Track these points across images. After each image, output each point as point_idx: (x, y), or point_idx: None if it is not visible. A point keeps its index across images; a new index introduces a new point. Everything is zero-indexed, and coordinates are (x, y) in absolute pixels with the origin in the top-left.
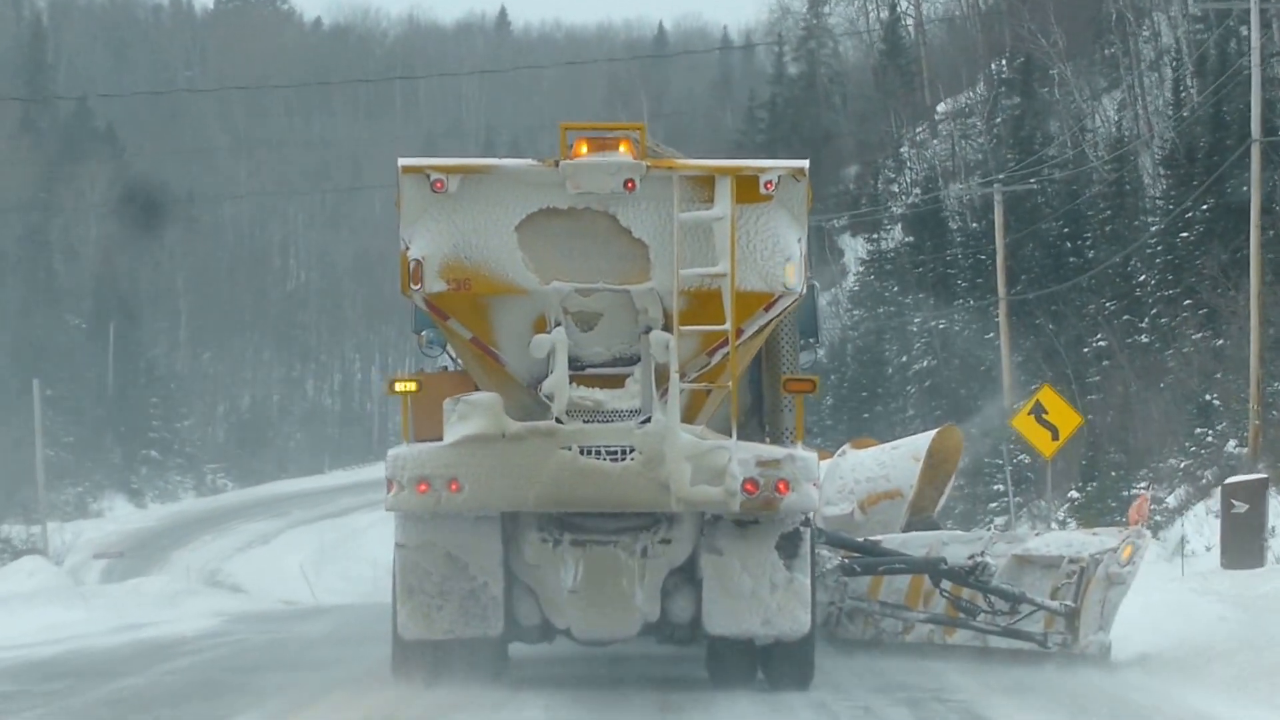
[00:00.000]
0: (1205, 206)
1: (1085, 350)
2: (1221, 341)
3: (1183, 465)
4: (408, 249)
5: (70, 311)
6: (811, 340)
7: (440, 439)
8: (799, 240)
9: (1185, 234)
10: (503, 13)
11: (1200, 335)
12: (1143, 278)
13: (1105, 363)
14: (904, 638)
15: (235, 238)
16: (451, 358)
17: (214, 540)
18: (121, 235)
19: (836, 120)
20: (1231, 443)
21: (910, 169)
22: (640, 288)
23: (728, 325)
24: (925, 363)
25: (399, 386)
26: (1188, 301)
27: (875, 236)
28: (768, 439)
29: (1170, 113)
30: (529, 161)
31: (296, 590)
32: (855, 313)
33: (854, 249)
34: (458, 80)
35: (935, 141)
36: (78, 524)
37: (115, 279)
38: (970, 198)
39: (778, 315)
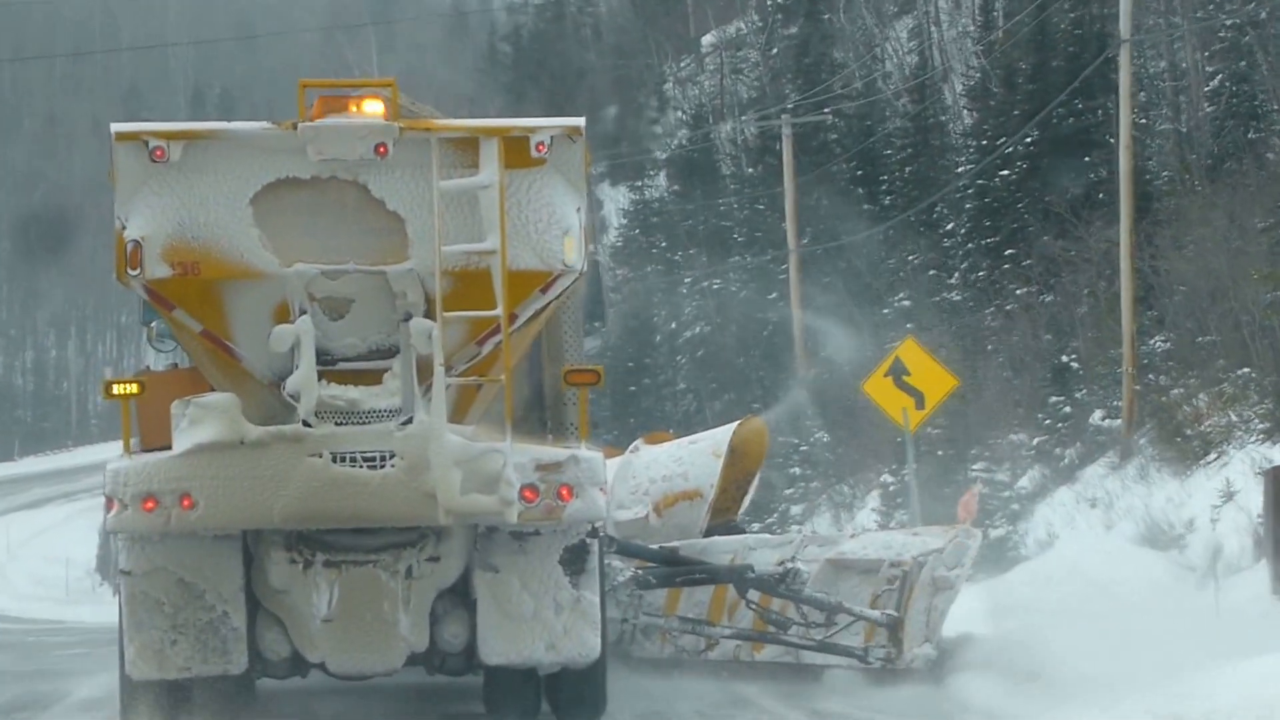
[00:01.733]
0: (1029, 140)
1: (886, 311)
2: (1050, 298)
3: (1035, 442)
4: (124, 228)
5: None
6: (596, 324)
7: (169, 448)
8: (578, 210)
9: (1005, 172)
10: None
11: (1025, 290)
12: (950, 226)
13: (909, 325)
14: (707, 655)
15: None
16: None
17: None
18: None
19: (590, 55)
20: (1098, 413)
21: (676, 109)
22: (397, 269)
23: (499, 310)
24: (699, 329)
25: (117, 389)
26: (1009, 251)
27: (639, 184)
28: (550, 439)
29: (977, 36)
30: (264, 125)
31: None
32: (618, 272)
33: (615, 199)
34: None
35: (703, 77)
36: None
37: None
38: (745, 137)
39: (557, 297)
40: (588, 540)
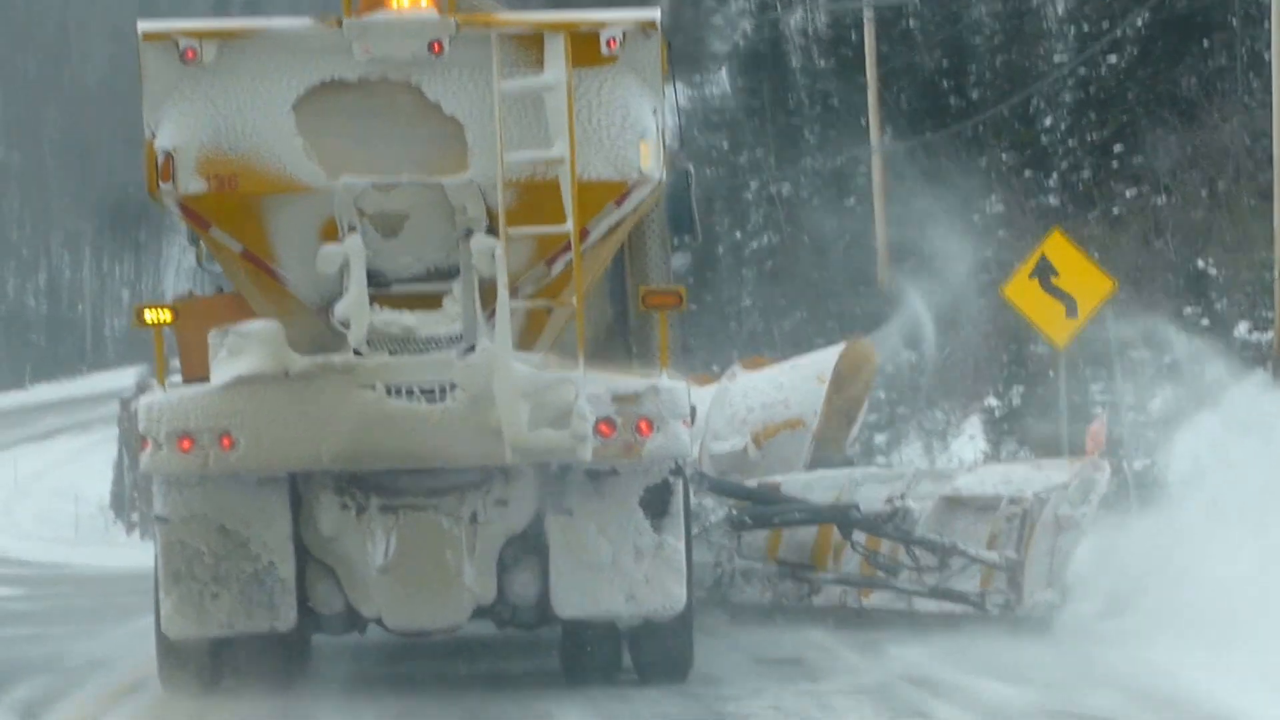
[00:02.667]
0: (1140, 24)
1: (976, 217)
2: (1164, 199)
3: (1166, 361)
4: (154, 138)
5: None
6: (687, 238)
7: (205, 380)
8: (654, 112)
9: (1113, 58)
10: None
11: (1136, 192)
12: (1049, 121)
13: (1000, 232)
14: (811, 601)
15: None
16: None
17: None
18: None
19: None
20: (1243, 325)
21: None
22: (456, 180)
23: (569, 225)
24: (766, 239)
25: (150, 316)
26: (1118, 148)
27: (698, 79)
28: (629, 368)
29: None
30: (306, 21)
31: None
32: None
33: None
34: None
35: None
36: None
37: None
38: (817, 27)
39: (634, 210)
40: (671, 479)
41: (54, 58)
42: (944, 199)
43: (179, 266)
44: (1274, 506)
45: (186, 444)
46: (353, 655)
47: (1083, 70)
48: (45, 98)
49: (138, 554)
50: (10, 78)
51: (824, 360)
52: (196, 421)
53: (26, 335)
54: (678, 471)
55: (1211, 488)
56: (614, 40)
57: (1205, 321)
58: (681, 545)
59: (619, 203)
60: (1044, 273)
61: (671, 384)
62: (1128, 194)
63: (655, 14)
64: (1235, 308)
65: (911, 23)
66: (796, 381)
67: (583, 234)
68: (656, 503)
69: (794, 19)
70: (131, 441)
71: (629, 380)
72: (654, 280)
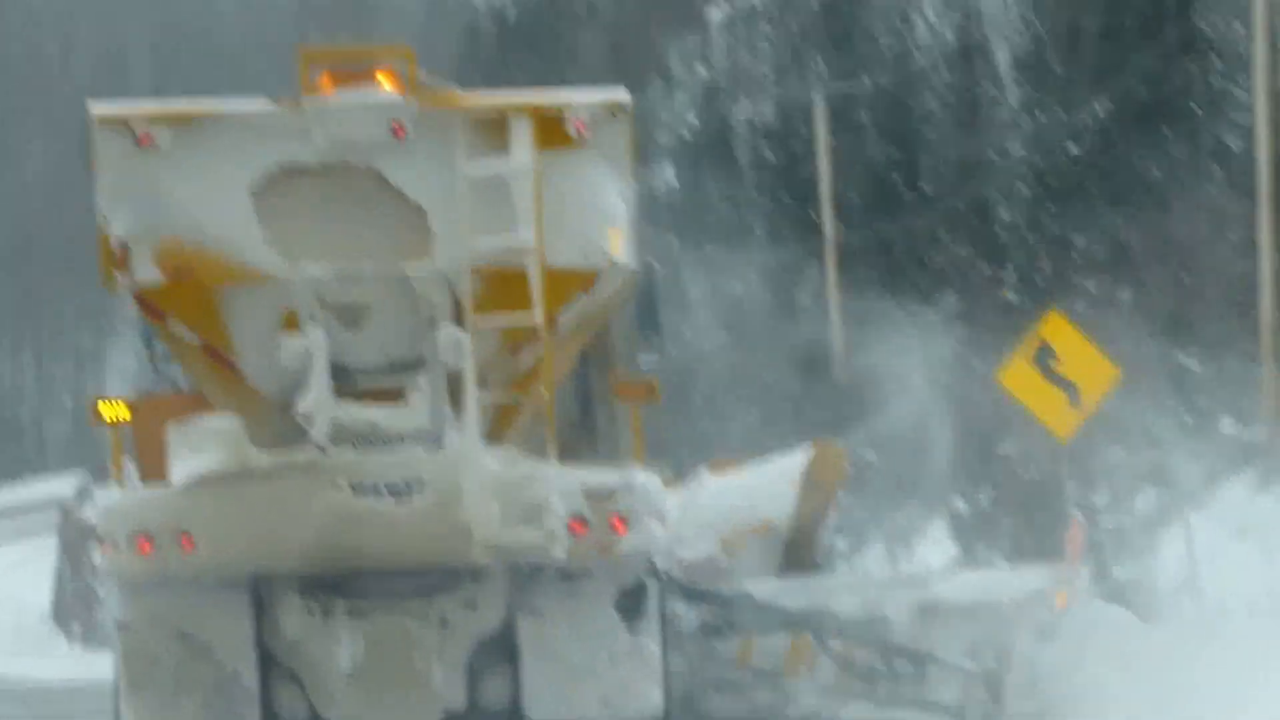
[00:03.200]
0: (1101, 112)
1: (932, 313)
2: (1127, 293)
3: (1148, 459)
4: (108, 226)
5: None
6: (653, 334)
7: (165, 482)
8: (623, 197)
9: (1072, 147)
10: None
11: (1096, 285)
12: (1006, 214)
13: (959, 329)
14: (785, 712)
15: None
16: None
17: None
18: None
19: (584, 33)
20: (1226, 421)
21: (683, 91)
22: (420, 269)
23: (538, 315)
24: (717, 335)
25: (106, 412)
26: (1080, 241)
27: (642, 174)
28: (600, 463)
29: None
30: (263, 104)
31: None
32: None
33: None
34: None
35: (713, 55)
36: None
37: None
38: (765, 119)
39: (604, 299)
40: (646, 579)
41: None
42: (899, 294)
43: (123, 371)
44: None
45: (146, 546)
46: None
47: (1040, 161)
48: None
49: (77, 666)
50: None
51: (793, 463)
52: (156, 522)
53: None
54: (653, 571)
55: (1207, 594)
56: (581, 123)
57: (1188, 418)
58: (657, 648)
59: (589, 291)
60: (1044, 358)
61: (646, 479)
62: (1092, 287)
63: (624, 95)
64: (1218, 403)
65: (863, 114)
66: (765, 485)
67: (552, 323)
68: (631, 604)
69: (741, 112)
70: (73, 549)
71: (602, 475)
72: (619, 374)
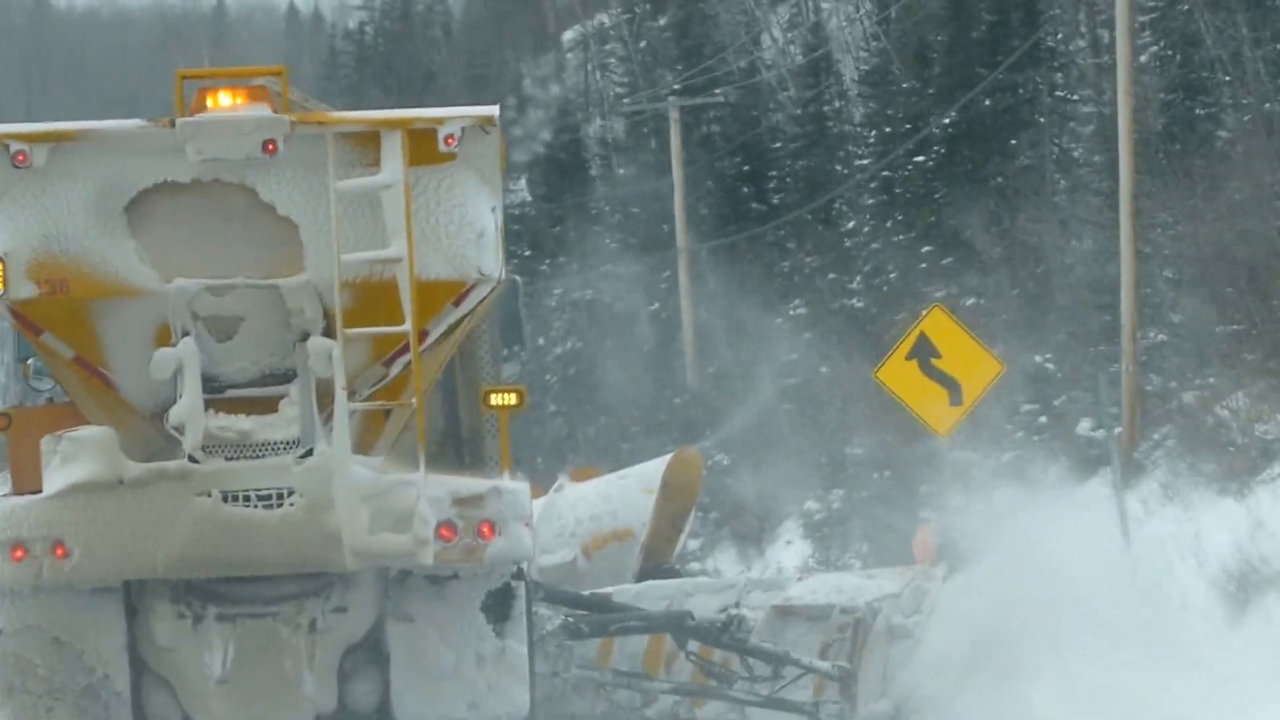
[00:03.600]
0: (948, 123)
1: (779, 321)
2: (973, 300)
3: (1003, 460)
4: None
5: None
6: (516, 348)
7: (38, 491)
8: (493, 210)
9: (920, 158)
10: None
11: (945, 292)
12: (851, 224)
13: (806, 334)
14: (644, 712)
15: None
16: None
17: None
18: None
19: (440, 55)
20: (1085, 423)
21: (537, 108)
22: (292, 282)
23: (408, 325)
24: (570, 344)
25: None
26: (926, 249)
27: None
28: (468, 471)
29: (872, 13)
30: (138, 122)
31: None
32: None
33: None
34: None
35: (566, 74)
36: None
37: None
38: (615, 136)
39: (472, 310)
40: (513, 584)
41: None
42: (748, 302)
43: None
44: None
45: (19, 553)
46: None
47: (886, 172)
48: None
49: None
50: None
51: (651, 471)
52: (29, 530)
53: None
54: (520, 575)
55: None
56: (452, 137)
57: (1044, 419)
58: (524, 650)
59: (458, 303)
60: (923, 354)
61: (514, 486)
62: (938, 295)
63: (494, 110)
64: (1075, 404)
65: (713, 128)
66: (624, 492)
67: (421, 335)
68: (499, 607)
69: (593, 128)
70: None
71: (470, 482)
72: (487, 381)
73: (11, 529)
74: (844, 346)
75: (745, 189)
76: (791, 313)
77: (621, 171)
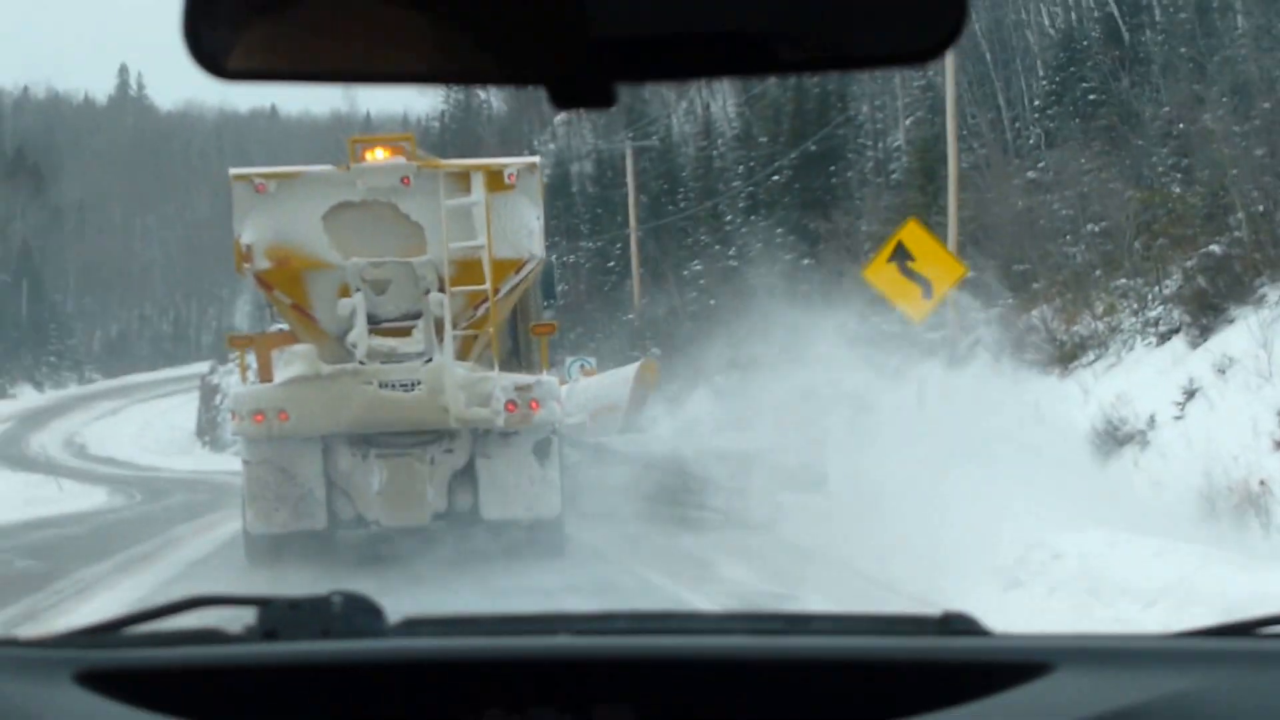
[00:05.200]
0: (793, 157)
1: (685, 272)
2: (807, 260)
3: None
4: (240, 237)
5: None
6: (550, 300)
7: (271, 381)
8: (537, 217)
9: (776, 177)
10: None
11: (791, 256)
12: (730, 218)
13: (701, 281)
14: (621, 510)
15: (108, 230)
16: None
17: (79, 413)
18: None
19: (485, 129)
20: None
21: (541, 155)
22: (419, 260)
23: (487, 285)
24: (560, 291)
25: (237, 342)
26: (779, 230)
27: None
28: (523, 371)
29: (743, 102)
30: (328, 168)
31: (128, 450)
32: None
33: None
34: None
35: (556, 136)
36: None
37: (30, 255)
38: (585, 167)
39: (525, 276)
40: (550, 436)
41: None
42: (669, 263)
43: (246, 318)
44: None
45: (259, 418)
46: (359, 545)
47: (752, 188)
48: (176, 220)
49: (206, 461)
50: (166, 214)
51: (629, 371)
52: (265, 404)
53: (160, 343)
54: (554, 431)
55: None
56: (512, 175)
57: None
58: (557, 476)
59: (517, 271)
60: (901, 258)
61: (549, 379)
62: (786, 257)
63: (537, 159)
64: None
65: (651, 162)
66: (613, 383)
67: (495, 291)
68: (542, 450)
69: (575, 165)
70: (206, 399)
71: (524, 377)
72: (534, 318)
73: (254, 403)
74: (727, 292)
75: (669, 196)
76: (691, 269)
77: (592, 190)
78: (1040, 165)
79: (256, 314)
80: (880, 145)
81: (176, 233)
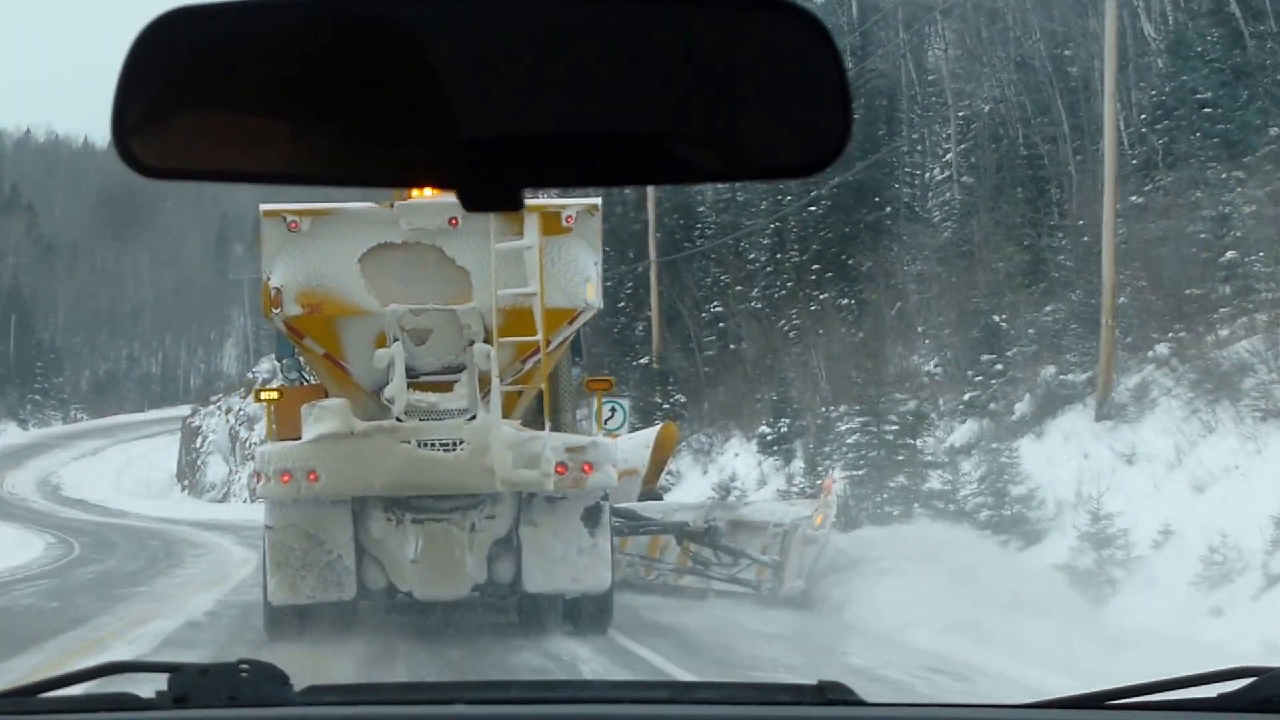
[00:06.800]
0: (834, 184)
1: (703, 315)
2: (848, 301)
3: (966, 398)
4: (269, 279)
5: None
6: (577, 357)
7: (298, 439)
8: (595, 264)
9: (813, 208)
10: None
11: (826, 295)
12: (752, 256)
13: (720, 325)
14: (646, 578)
15: (99, 270)
16: (304, 378)
17: (60, 452)
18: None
19: None
20: (1050, 369)
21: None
22: (464, 307)
23: (539, 336)
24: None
25: (264, 396)
26: (815, 267)
27: None
28: (562, 429)
29: None
30: (369, 205)
31: (103, 492)
32: None
33: None
34: None
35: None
36: None
37: (19, 292)
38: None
39: (579, 326)
40: (601, 502)
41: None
42: (686, 303)
43: (230, 357)
44: None
45: (286, 478)
46: (390, 617)
47: (777, 224)
48: (167, 262)
49: (185, 507)
50: (158, 255)
51: (648, 435)
52: (293, 463)
53: (148, 384)
54: (606, 497)
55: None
56: (571, 217)
57: (998, 366)
58: (608, 545)
59: (571, 323)
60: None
61: (605, 440)
62: (821, 297)
63: (598, 200)
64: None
65: (667, 188)
66: (634, 446)
67: (547, 343)
68: (592, 517)
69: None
70: (186, 441)
71: (577, 437)
72: (564, 377)
73: (281, 462)
74: (748, 330)
75: (680, 231)
76: (711, 310)
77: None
78: (1157, 183)
79: (243, 358)
80: (927, 175)
81: (167, 275)
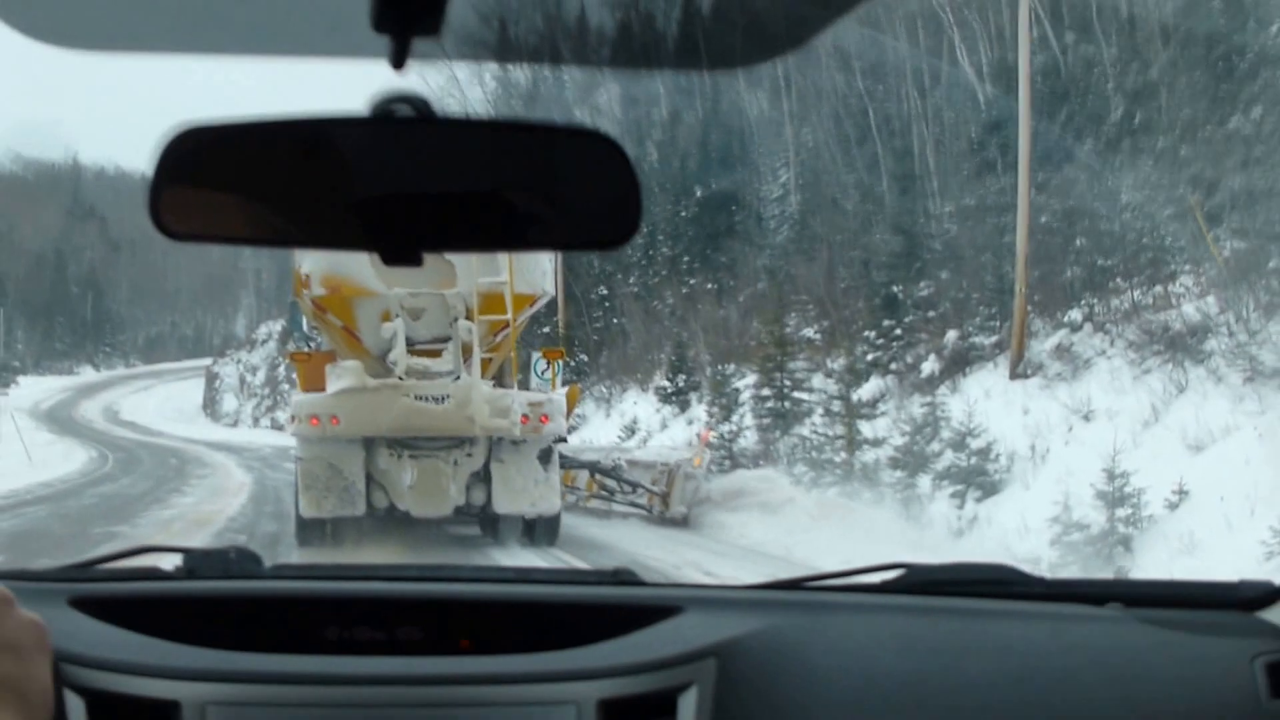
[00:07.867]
0: (697, 199)
1: (592, 295)
2: (713, 285)
3: (870, 358)
4: (300, 267)
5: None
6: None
7: (323, 390)
8: (550, 260)
9: (684, 213)
10: None
11: (694, 280)
12: (628, 250)
13: (607, 304)
14: (568, 499)
15: (152, 261)
16: (308, 345)
17: (121, 388)
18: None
19: None
20: (952, 333)
21: None
22: (451, 292)
23: (508, 315)
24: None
25: (298, 358)
26: (685, 259)
27: None
28: (516, 386)
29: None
30: None
31: (149, 417)
32: None
33: None
34: None
35: None
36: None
37: (95, 276)
38: None
39: (537, 309)
40: (553, 445)
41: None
42: (579, 287)
43: (241, 324)
44: None
45: (314, 421)
46: (390, 529)
47: (648, 226)
48: (199, 257)
49: (209, 431)
50: (191, 252)
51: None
52: (319, 410)
53: (185, 342)
54: (558, 440)
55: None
56: None
57: (898, 330)
58: (557, 478)
59: (531, 305)
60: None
61: (558, 397)
62: (690, 281)
63: None
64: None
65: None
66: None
67: (514, 320)
68: (546, 457)
69: None
70: (210, 384)
71: (537, 395)
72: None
73: (310, 409)
74: (629, 308)
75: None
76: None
77: None
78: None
79: (249, 325)
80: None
81: (198, 266)
